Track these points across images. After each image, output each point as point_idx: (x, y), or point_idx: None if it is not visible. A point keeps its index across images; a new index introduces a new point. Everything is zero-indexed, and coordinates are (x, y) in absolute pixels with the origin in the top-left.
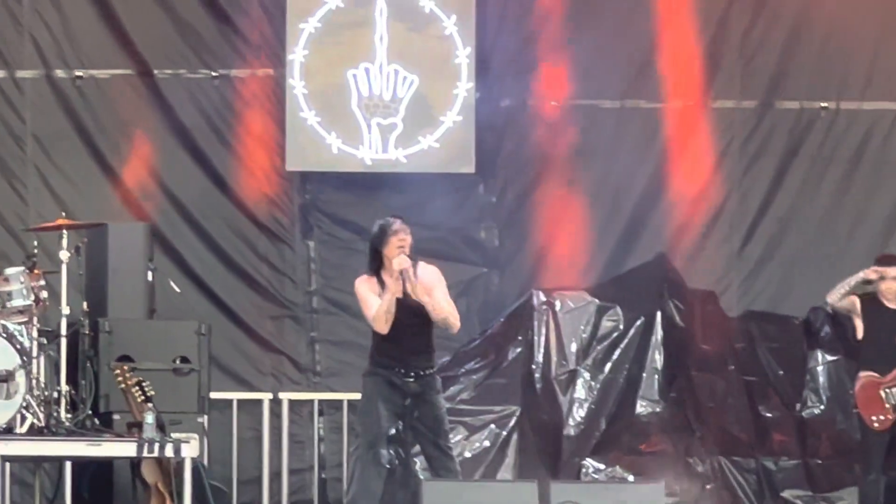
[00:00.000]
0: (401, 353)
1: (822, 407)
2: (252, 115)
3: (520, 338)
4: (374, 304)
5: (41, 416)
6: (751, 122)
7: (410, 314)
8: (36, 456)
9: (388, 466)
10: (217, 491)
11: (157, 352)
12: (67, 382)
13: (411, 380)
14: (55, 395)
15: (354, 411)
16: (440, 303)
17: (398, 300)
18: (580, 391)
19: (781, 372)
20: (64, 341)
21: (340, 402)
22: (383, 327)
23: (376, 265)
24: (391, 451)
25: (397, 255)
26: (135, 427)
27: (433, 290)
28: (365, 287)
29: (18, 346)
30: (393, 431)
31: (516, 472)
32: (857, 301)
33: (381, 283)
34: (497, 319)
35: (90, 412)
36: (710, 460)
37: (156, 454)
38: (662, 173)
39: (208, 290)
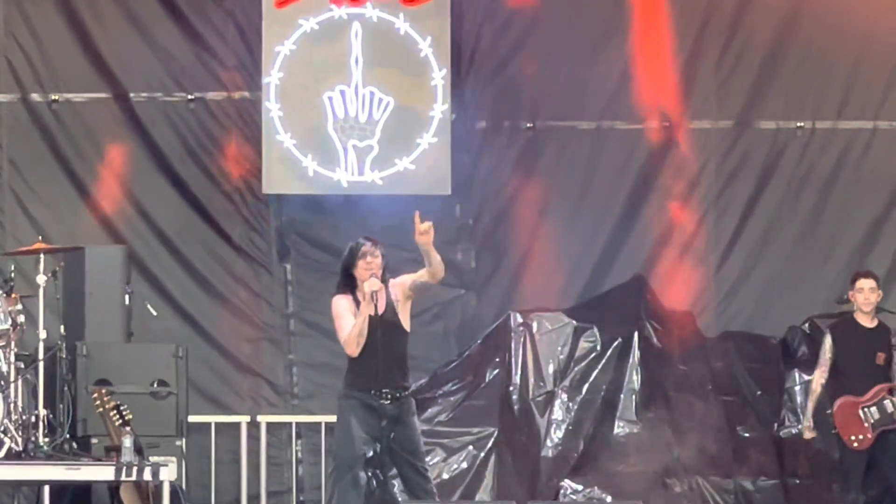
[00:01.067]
0: (376, 374)
1: (799, 426)
2: (228, 138)
3: (497, 359)
4: (348, 326)
5: (19, 440)
6: (727, 142)
7: (385, 334)
8: (14, 480)
9: (364, 488)
10: None
11: (134, 375)
12: (45, 406)
13: (387, 402)
14: (33, 419)
15: (332, 433)
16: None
17: (372, 319)
18: (558, 412)
19: (759, 392)
20: (41, 365)
21: (318, 424)
22: (354, 350)
23: (349, 285)
24: (369, 474)
25: (367, 277)
26: (113, 451)
27: (405, 280)
28: (342, 305)
29: None
30: (370, 454)
31: (494, 494)
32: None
33: (357, 302)
34: (474, 341)
35: (68, 436)
36: (688, 480)
37: (134, 478)
38: (639, 194)
39: (185, 313)
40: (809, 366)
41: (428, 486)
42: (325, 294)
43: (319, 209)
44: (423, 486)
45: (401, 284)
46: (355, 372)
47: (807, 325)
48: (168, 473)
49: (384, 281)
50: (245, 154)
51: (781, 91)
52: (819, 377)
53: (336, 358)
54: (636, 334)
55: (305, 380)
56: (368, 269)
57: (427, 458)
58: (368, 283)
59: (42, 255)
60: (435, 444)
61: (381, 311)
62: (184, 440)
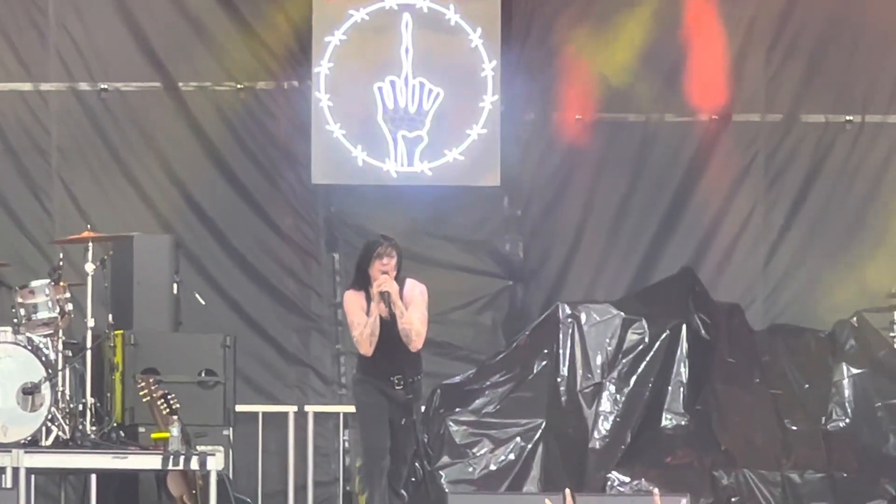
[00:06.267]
0: (390, 367)
1: (847, 420)
2: (278, 128)
3: (545, 351)
4: (360, 325)
5: (66, 428)
6: (776, 136)
7: (398, 329)
8: (61, 468)
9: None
10: (242, 503)
11: (182, 364)
12: (92, 395)
13: (401, 388)
14: (80, 407)
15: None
16: (410, 315)
17: (384, 320)
18: (605, 404)
19: (807, 385)
20: (89, 353)
21: None
22: (367, 350)
23: (363, 282)
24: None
25: (379, 277)
26: (161, 440)
27: (409, 305)
28: (353, 303)
29: (44, 359)
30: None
31: (541, 485)
32: None
33: (369, 299)
34: (522, 332)
35: (115, 425)
36: (735, 473)
37: (181, 467)
38: (688, 187)
39: (234, 302)
40: (857, 359)
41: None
42: None
43: (368, 199)
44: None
45: (408, 299)
46: (371, 361)
47: (855, 318)
48: (215, 463)
49: (398, 280)
50: (294, 144)
51: (831, 85)
52: None
53: None
54: (684, 327)
55: (353, 369)
56: (383, 269)
57: (474, 449)
58: (377, 283)
59: (90, 244)
60: (482, 435)
61: (395, 311)
62: (231, 430)
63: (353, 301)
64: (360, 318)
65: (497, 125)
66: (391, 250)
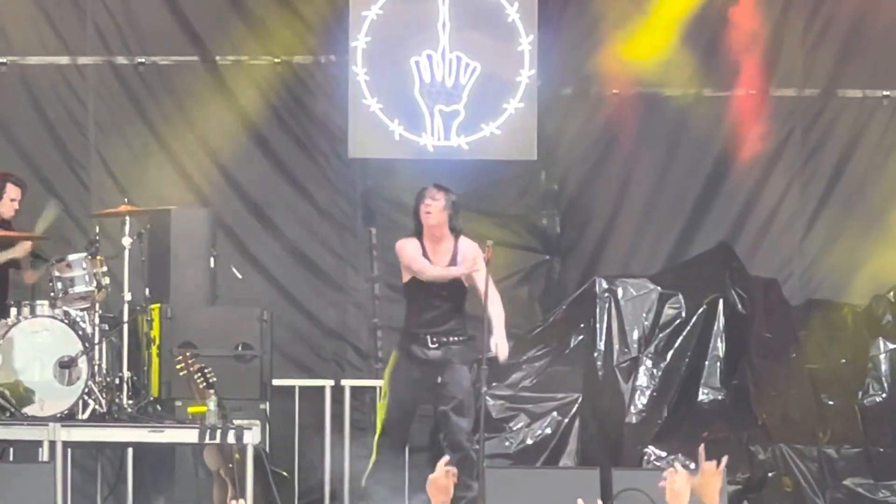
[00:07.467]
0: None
1: (884, 395)
2: (314, 102)
3: (582, 325)
4: (427, 267)
5: (103, 402)
6: (813, 111)
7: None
8: (97, 442)
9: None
10: (279, 477)
11: (219, 338)
12: (129, 368)
13: (435, 347)
14: (117, 381)
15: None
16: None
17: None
18: (642, 379)
19: (843, 360)
20: (126, 327)
21: None
22: (430, 276)
23: (417, 230)
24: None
25: (426, 220)
26: (197, 414)
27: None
28: (412, 247)
29: (80, 333)
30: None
31: (578, 460)
32: None
33: (423, 248)
34: (559, 307)
35: (152, 398)
36: (771, 448)
37: (218, 441)
38: (725, 162)
39: (270, 276)
40: (894, 334)
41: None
42: None
43: (405, 173)
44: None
45: (473, 264)
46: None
47: (892, 293)
48: (252, 437)
49: (453, 230)
50: (331, 118)
51: (868, 59)
52: None
53: None
54: (721, 301)
55: (390, 343)
56: (427, 210)
57: (511, 424)
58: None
59: (128, 218)
60: (519, 409)
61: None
62: (268, 404)
63: (409, 248)
64: (423, 262)
65: (534, 99)
66: (435, 192)
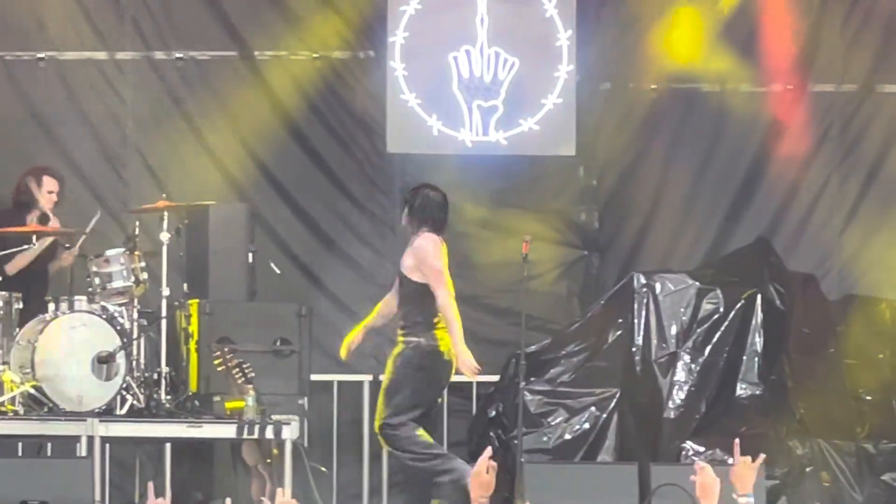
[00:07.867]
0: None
1: None
2: (353, 98)
3: (620, 320)
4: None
5: (141, 397)
6: (851, 106)
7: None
8: (136, 437)
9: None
10: (317, 472)
11: (257, 333)
12: (167, 364)
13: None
14: (155, 376)
15: (454, 392)
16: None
17: None
18: (680, 374)
19: (881, 355)
20: (164, 322)
21: None
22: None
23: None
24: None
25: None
26: (236, 409)
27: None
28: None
29: (118, 328)
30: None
31: (616, 455)
32: None
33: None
34: (597, 302)
35: (190, 393)
36: (809, 443)
37: (256, 436)
38: (763, 157)
39: (308, 271)
40: None
41: None
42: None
43: (443, 169)
44: None
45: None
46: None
47: None
48: (290, 432)
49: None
50: (369, 113)
51: None
52: None
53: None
54: (759, 296)
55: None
56: None
57: (549, 419)
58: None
59: (166, 213)
60: (557, 404)
61: None
62: (306, 399)
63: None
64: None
65: (572, 95)
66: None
